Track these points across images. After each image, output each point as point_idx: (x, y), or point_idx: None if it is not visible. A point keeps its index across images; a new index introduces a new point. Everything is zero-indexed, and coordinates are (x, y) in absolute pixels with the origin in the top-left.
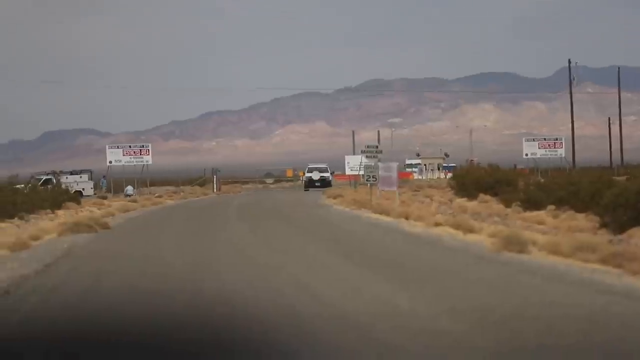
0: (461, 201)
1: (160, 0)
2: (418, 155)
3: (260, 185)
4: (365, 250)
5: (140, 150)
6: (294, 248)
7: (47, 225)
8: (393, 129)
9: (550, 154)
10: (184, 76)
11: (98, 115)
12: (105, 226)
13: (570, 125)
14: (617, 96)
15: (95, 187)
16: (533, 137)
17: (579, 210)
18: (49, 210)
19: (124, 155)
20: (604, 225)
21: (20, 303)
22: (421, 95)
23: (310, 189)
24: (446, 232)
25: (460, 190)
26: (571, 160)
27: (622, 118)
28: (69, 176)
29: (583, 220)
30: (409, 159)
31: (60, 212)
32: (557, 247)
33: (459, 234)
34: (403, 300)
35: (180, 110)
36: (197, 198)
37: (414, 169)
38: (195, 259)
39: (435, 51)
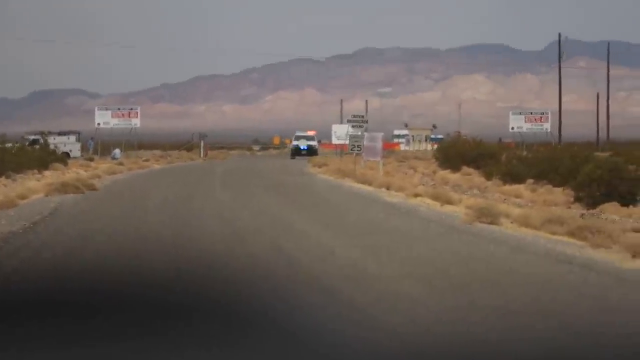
0: (444, 173)
1: None
2: (406, 126)
3: (248, 152)
4: (343, 218)
5: (129, 112)
6: (274, 215)
7: (34, 185)
8: (381, 99)
9: (536, 128)
10: (175, 38)
11: (87, 76)
12: (92, 187)
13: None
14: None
15: (83, 148)
16: (520, 110)
17: (557, 184)
18: (36, 171)
19: (112, 117)
20: (578, 199)
21: (8, 258)
22: (414, 65)
23: (296, 157)
24: (424, 203)
25: (444, 163)
26: (557, 135)
27: (614, 94)
28: (56, 137)
29: (560, 194)
30: (396, 129)
31: (47, 173)
32: (528, 219)
33: (437, 205)
34: (372, 265)
35: (171, 73)
36: (184, 163)
37: (401, 140)
38: (177, 222)
39: (430, 21)
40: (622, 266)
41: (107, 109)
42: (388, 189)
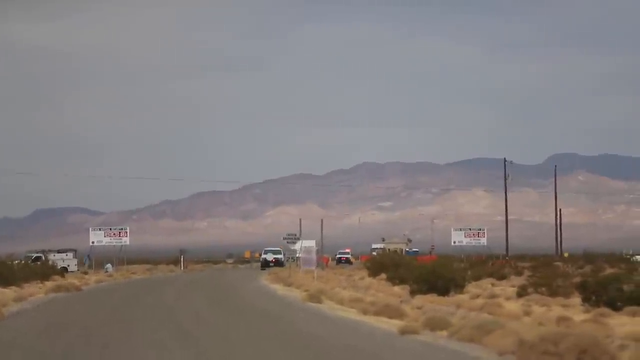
0: (368, 278)
1: (149, 82)
2: (383, 240)
3: (230, 265)
4: (231, 299)
5: (119, 232)
6: (190, 301)
7: (37, 290)
8: (359, 219)
9: (474, 242)
10: (176, 156)
11: (89, 194)
12: (78, 289)
13: (559, 211)
14: (608, 185)
15: (80, 263)
16: (460, 227)
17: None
18: (39, 281)
19: (105, 236)
20: (412, 291)
21: (33, 315)
22: (413, 180)
23: (265, 268)
24: (302, 294)
25: (371, 270)
26: (492, 247)
27: (613, 207)
28: (56, 254)
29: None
30: (374, 243)
31: (47, 283)
32: (341, 300)
33: (305, 295)
34: (228, 321)
35: (172, 189)
36: (163, 274)
37: (375, 253)
38: (120, 304)
39: (428, 136)
40: (356, 318)
41: (100, 229)
42: (298, 288)
